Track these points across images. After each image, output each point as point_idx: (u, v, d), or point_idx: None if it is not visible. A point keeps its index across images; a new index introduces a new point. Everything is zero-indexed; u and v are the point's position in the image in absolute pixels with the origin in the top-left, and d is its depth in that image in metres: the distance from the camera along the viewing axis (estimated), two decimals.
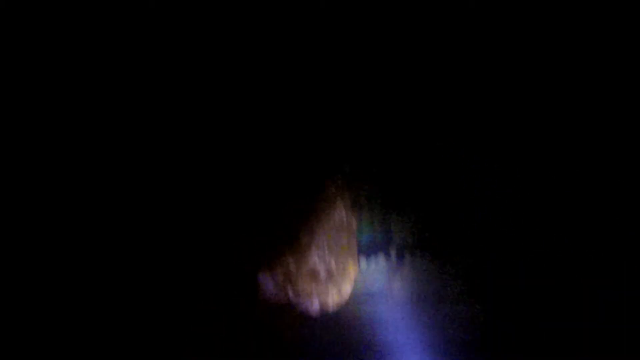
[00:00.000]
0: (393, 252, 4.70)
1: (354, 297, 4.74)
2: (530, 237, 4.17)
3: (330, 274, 4.79)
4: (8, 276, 4.34)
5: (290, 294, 4.89)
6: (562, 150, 4.18)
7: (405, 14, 4.24)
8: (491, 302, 4.24)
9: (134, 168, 4.80)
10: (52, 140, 4.53)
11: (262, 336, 4.79)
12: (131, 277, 4.73)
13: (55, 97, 4.45)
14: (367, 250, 4.84)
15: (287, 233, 4.97)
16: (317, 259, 4.87)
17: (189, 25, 4.35)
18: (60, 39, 4.23)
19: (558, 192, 4.17)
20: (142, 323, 4.70)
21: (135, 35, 4.34)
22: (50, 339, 4.41)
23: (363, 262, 4.81)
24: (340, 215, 4.88)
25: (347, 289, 4.76)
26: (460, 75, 4.37)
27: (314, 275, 4.84)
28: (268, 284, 4.89)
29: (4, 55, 4.17)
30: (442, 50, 4.33)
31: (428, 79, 4.47)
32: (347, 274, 4.79)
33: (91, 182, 4.69)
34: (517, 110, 4.30)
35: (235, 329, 4.81)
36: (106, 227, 4.71)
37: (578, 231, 4.05)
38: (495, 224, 4.32)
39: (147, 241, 4.80)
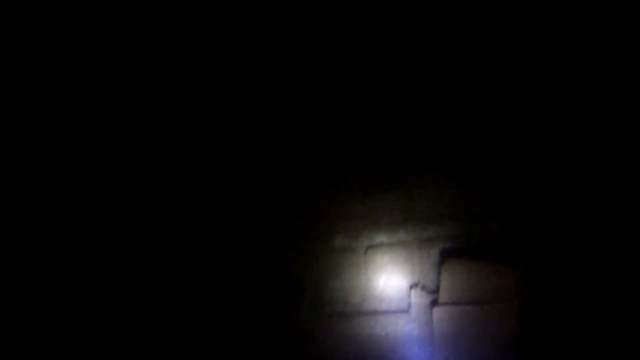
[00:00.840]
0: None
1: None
2: (529, 238, 4.17)
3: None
4: (8, 276, 4.36)
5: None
6: (562, 151, 4.18)
7: (405, 14, 4.24)
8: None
9: (134, 169, 4.81)
10: (52, 140, 4.54)
11: (262, 336, 4.80)
12: (132, 277, 4.74)
13: (55, 97, 4.46)
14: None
15: (286, 233, 4.98)
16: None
17: (189, 25, 4.36)
18: (60, 39, 4.25)
19: (558, 193, 4.17)
20: (143, 323, 4.72)
21: (135, 35, 4.35)
22: (51, 339, 4.42)
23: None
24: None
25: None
26: (460, 75, 4.37)
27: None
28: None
29: (4, 55, 4.18)
30: (442, 50, 4.33)
31: (428, 79, 4.47)
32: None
33: (92, 182, 4.70)
34: (518, 110, 4.30)
35: (235, 329, 4.82)
36: (107, 227, 4.72)
37: (579, 232, 4.05)
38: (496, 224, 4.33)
39: (147, 241, 4.81)
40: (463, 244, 4.39)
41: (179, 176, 4.91)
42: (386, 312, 4.50)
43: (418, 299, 4.39)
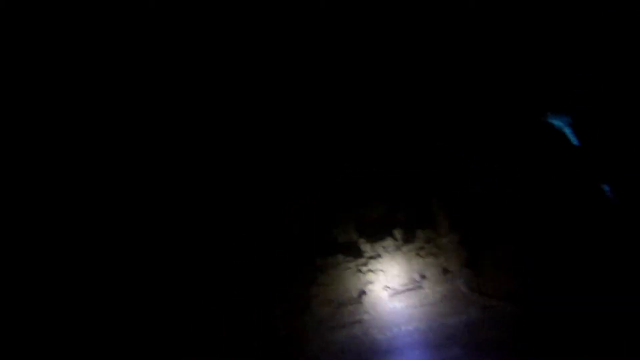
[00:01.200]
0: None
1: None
2: (529, 238, 4.16)
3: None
4: (8, 276, 4.35)
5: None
6: (562, 151, 4.18)
7: (405, 14, 4.24)
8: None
9: (134, 169, 4.81)
10: (51, 140, 4.54)
11: (262, 336, 4.79)
12: (132, 278, 4.74)
13: (55, 97, 4.45)
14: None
15: (286, 233, 4.97)
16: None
17: (189, 25, 4.36)
18: (60, 39, 4.24)
19: (558, 193, 4.17)
20: (143, 323, 4.71)
21: (135, 35, 4.35)
22: (51, 339, 4.42)
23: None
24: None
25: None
26: (460, 76, 4.37)
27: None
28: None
29: (4, 55, 4.18)
30: (442, 51, 4.33)
31: (428, 79, 4.47)
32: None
33: (92, 182, 4.70)
34: (518, 110, 4.30)
35: (235, 329, 4.81)
36: (107, 227, 4.72)
37: (579, 232, 4.05)
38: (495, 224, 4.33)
39: (147, 242, 4.81)
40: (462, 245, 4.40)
41: (179, 177, 4.90)
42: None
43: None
